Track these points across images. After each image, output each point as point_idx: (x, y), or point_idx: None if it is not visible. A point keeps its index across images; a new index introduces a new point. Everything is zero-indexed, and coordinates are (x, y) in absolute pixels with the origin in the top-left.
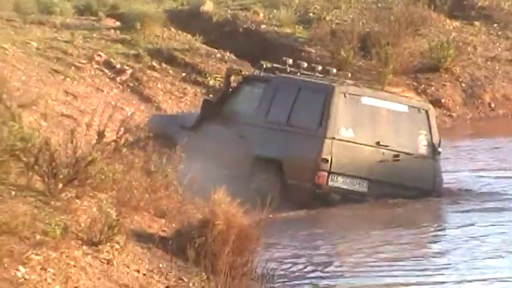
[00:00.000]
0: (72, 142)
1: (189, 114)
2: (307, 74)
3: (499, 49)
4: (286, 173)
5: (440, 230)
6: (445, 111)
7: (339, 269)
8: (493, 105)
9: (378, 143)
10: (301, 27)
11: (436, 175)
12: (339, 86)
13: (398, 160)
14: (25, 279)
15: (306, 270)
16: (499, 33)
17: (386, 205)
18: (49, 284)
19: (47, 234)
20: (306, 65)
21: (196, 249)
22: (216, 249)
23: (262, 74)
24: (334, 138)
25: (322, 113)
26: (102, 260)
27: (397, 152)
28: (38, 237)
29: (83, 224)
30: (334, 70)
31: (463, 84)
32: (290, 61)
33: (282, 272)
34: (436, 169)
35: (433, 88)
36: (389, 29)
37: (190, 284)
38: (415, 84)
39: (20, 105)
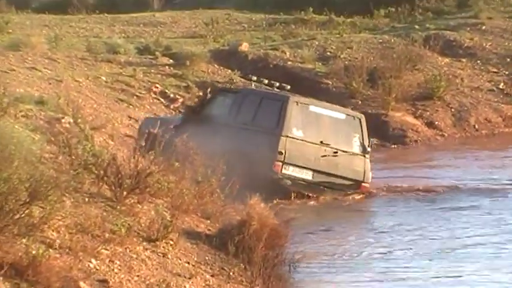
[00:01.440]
0: (134, 158)
1: (176, 117)
2: (268, 88)
3: (482, 81)
4: (252, 163)
5: None
6: (437, 132)
7: (353, 260)
8: (477, 126)
9: (321, 141)
10: (320, 64)
11: (365, 169)
12: (292, 96)
13: (336, 155)
14: (96, 269)
15: (326, 261)
16: (482, 67)
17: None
18: (116, 273)
19: (114, 233)
20: (266, 81)
21: (235, 245)
22: (251, 245)
23: (232, 87)
24: (287, 136)
25: (279, 116)
26: (158, 254)
27: (336, 149)
28: (106, 235)
29: (143, 224)
30: (288, 87)
31: (453, 110)
32: (254, 78)
33: (306, 264)
34: (366, 164)
35: (428, 113)
36: (392, 64)
37: (231, 273)
38: (413, 109)
39: (92, 127)
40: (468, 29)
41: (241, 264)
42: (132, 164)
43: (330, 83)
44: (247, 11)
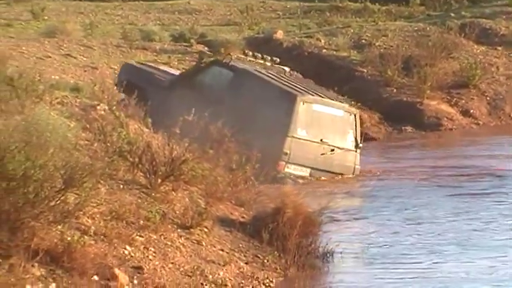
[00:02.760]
0: (168, 145)
1: (161, 75)
2: (261, 62)
3: None
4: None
5: None
6: (472, 120)
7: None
8: None
9: (321, 140)
10: (355, 52)
11: (355, 164)
12: (300, 95)
13: (333, 153)
14: (131, 256)
15: (359, 250)
16: None
17: None
18: (150, 260)
19: (149, 220)
20: (259, 55)
21: (269, 232)
22: (285, 232)
23: (229, 62)
24: (293, 136)
25: (286, 115)
26: (193, 241)
27: (334, 146)
28: (141, 222)
29: (177, 212)
30: (278, 60)
31: (488, 98)
32: (250, 53)
33: (340, 251)
34: (356, 159)
35: (463, 101)
36: (428, 52)
37: (265, 261)
38: (448, 98)
39: (126, 115)
40: (504, 17)
41: (275, 252)
42: (167, 151)
43: (365, 71)
44: None
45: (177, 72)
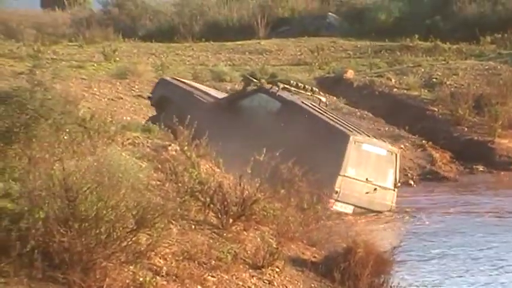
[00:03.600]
0: (240, 185)
1: (201, 95)
2: (300, 92)
3: None
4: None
5: None
6: None
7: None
8: None
9: (367, 179)
10: (426, 90)
11: (393, 202)
12: (352, 136)
13: (376, 192)
14: None
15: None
16: None
17: None
18: None
19: (221, 260)
20: (301, 85)
21: (341, 272)
22: (357, 272)
23: (275, 92)
24: (344, 175)
25: (338, 155)
26: (264, 281)
27: (376, 185)
28: (213, 262)
29: (249, 252)
30: (317, 90)
31: None
32: (294, 83)
33: None
34: (393, 197)
35: None
36: (498, 91)
37: None
38: None
39: (198, 155)
40: None
41: None
42: (238, 191)
43: (436, 109)
44: (353, 38)
45: (219, 94)
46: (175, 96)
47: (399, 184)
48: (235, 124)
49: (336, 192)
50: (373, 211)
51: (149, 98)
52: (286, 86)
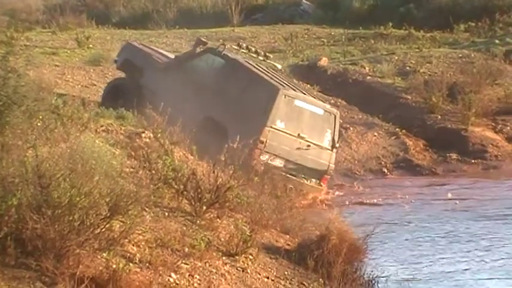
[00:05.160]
0: (213, 172)
1: (159, 57)
2: (254, 56)
3: None
4: (230, 139)
5: None
6: None
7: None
8: None
9: (299, 134)
10: (399, 78)
11: (330, 162)
12: (282, 89)
13: (308, 148)
14: (176, 284)
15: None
16: None
17: None
18: (195, 287)
19: (194, 247)
20: (253, 49)
21: (314, 260)
22: (331, 259)
23: (222, 51)
24: (271, 127)
25: (267, 106)
26: (238, 268)
27: (310, 142)
28: (186, 249)
29: (222, 239)
30: (271, 56)
31: None
32: (244, 45)
33: (384, 278)
34: (331, 158)
35: (508, 128)
36: (472, 79)
37: None
38: (493, 124)
39: (171, 142)
40: None
41: (321, 279)
42: (212, 179)
43: (410, 97)
44: (327, 26)
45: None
46: (136, 59)
47: (337, 145)
48: (183, 82)
49: (262, 142)
50: (306, 168)
51: (115, 61)
52: (235, 47)
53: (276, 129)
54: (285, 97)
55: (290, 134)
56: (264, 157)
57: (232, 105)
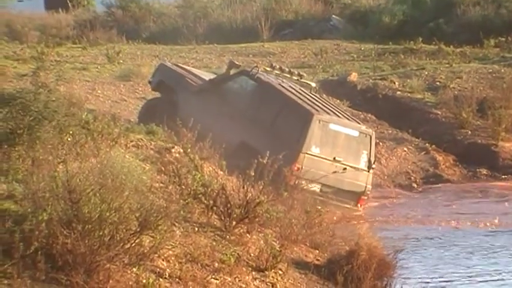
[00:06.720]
0: (243, 187)
1: (193, 78)
2: (288, 77)
3: None
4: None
5: None
6: None
7: None
8: None
9: (334, 158)
10: (429, 94)
11: (367, 183)
12: (316, 114)
13: (345, 171)
14: None
15: None
16: None
17: None
18: None
19: (224, 262)
20: (287, 69)
21: (344, 275)
22: (360, 275)
23: (255, 75)
24: (306, 153)
25: (301, 132)
26: (267, 283)
27: (346, 165)
28: (216, 264)
29: (252, 254)
30: (305, 75)
31: None
32: (277, 66)
33: None
34: (368, 179)
35: None
36: (502, 94)
37: None
38: None
39: (201, 157)
40: None
41: None
42: (242, 194)
43: (439, 113)
44: (356, 41)
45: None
46: (169, 80)
47: (374, 166)
48: (217, 106)
49: (298, 169)
50: (343, 191)
51: (149, 82)
52: (268, 69)
53: (311, 154)
54: (319, 122)
55: (325, 159)
56: (302, 184)
57: (266, 130)
